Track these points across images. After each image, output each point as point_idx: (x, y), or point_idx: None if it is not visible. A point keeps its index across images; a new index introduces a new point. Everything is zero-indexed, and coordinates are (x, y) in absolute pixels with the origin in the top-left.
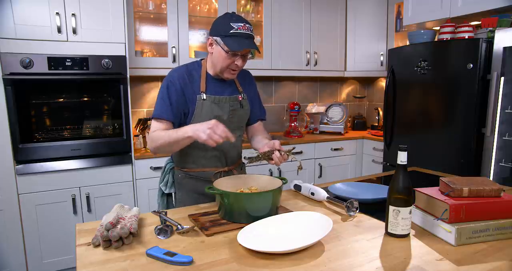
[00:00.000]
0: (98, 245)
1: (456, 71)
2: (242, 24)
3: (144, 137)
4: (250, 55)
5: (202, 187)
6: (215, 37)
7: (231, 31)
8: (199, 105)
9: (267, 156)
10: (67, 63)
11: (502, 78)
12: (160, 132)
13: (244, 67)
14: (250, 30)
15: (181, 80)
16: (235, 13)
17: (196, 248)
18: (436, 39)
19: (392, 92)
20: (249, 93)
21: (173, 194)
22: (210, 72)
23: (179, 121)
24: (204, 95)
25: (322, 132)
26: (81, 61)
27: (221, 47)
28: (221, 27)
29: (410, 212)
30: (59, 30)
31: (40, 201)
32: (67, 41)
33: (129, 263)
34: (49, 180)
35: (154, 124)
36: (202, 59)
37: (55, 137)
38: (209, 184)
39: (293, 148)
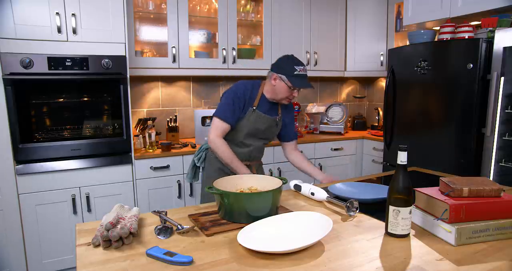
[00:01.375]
0: (98, 245)
1: (456, 71)
2: (302, 67)
3: (144, 137)
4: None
5: (225, 169)
6: (280, 75)
7: (295, 73)
8: (248, 116)
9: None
10: (67, 63)
11: (502, 78)
12: (227, 150)
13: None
14: (306, 71)
15: (244, 92)
16: (293, 55)
17: (196, 248)
18: (436, 39)
19: (392, 92)
20: (287, 117)
21: (201, 167)
22: (266, 95)
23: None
24: (253, 110)
25: (322, 132)
26: (81, 61)
27: (285, 83)
28: (286, 68)
29: (410, 212)
30: (59, 30)
31: (40, 201)
32: (67, 41)
33: (129, 263)
34: (49, 180)
35: (217, 123)
36: (261, 81)
37: (55, 137)
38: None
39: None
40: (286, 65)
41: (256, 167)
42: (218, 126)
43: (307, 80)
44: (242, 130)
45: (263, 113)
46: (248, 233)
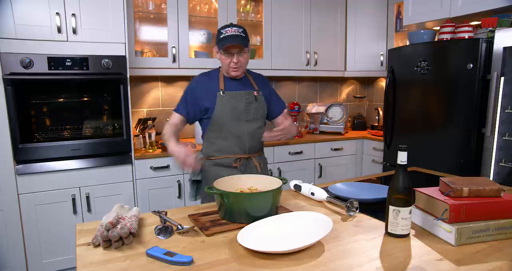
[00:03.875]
0: (98, 245)
1: (456, 71)
2: (230, 28)
3: (144, 137)
4: (245, 54)
5: (225, 172)
6: (216, 46)
7: (221, 36)
8: (219, 100)
9: None
10: (67, 63)
11: (502, 78)
12: (168, 130)
13: (246, 68)
14: (237, 31)
15: (199, 85)
16: (231, 23)
17: (196, 248)
18: (436, 39)
19: (392, 92)
20: (265, 92)
21: (202, 181)
22: (225, 74)
23: (193, 114)
24: (222, 92)
25: (322, 132)
26: (81, 61)
27: (219, 51)
28: (217, 37)
29: (410, 212)
30: (59, 30)
31: (40, 201)
32: (67, 41)
33: (129, 263)
34: (49, 180)
35: (173, 115)
36: (220, 67)
37: (55, 137)
38: (231, 169)
39: None
40: (217, 35)
41: (257, 161)
42: (172, 116)
43: (235, 39)
44: (224, 116)
45: (235, 91)
46: (248, 233)
